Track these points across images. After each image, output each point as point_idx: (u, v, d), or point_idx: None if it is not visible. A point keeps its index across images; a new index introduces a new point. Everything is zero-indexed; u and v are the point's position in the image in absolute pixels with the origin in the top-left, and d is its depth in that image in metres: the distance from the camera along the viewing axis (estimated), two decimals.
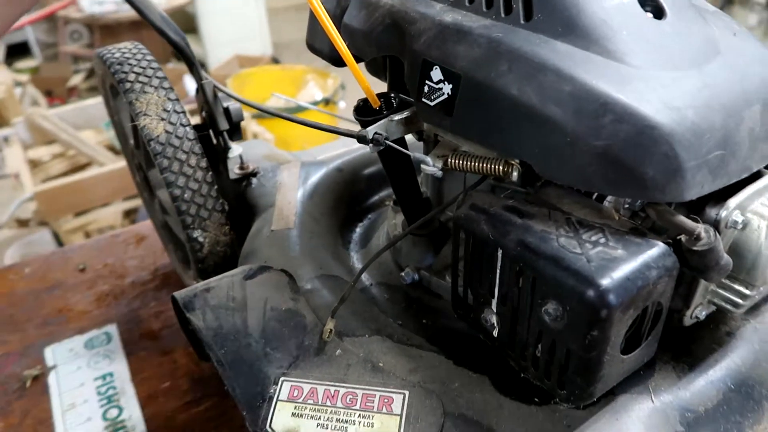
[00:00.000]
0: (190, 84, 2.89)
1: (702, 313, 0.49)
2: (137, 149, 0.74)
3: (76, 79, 3.58)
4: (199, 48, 3.66)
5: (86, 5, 3.16)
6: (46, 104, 3.11)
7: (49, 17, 3.39)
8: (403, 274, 0.61)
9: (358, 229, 0.74)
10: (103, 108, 2.41)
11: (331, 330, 0.52)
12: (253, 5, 3.82)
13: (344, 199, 0.76)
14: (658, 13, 0.44)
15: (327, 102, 2.54)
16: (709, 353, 0.51)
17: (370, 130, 0.48)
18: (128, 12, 3.13)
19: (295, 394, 0.49)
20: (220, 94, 0.73)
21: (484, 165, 0.46)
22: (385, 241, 0.68)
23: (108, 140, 2.21)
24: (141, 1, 0.69)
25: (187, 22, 3.70)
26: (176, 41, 0.69)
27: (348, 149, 0.82)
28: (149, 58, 0.68)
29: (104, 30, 3.34)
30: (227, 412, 0.70)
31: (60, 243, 1.98)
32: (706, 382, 0.48)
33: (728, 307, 0.47)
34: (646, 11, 0.44)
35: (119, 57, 0.68)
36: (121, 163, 2.05)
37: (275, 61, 3.69)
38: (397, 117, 0.49)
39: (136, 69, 0.66)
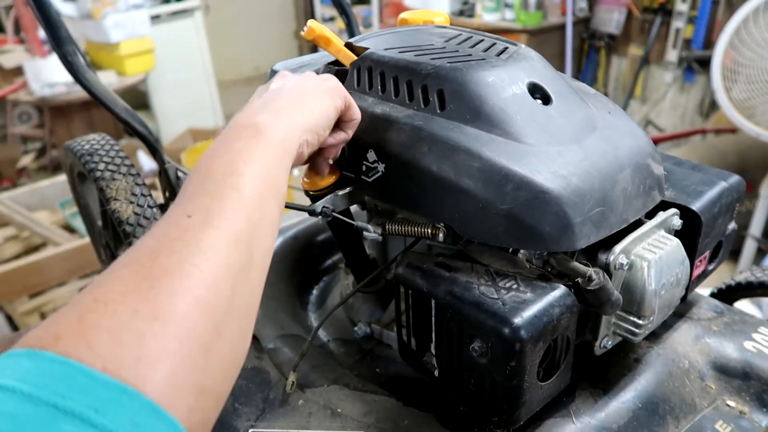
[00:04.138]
0: (144, 159, 2.94)
1: (608, 343, 0.57)
2: (105, 230, 0.80)
3: (26, 160, 3.58)
4: (152, 123, 3.73)
5: (37, 88, 3.20)
6: None
7: None
8: (356, 328, 0.68)
9: (314, 291, 0.81)
10: (56, 188, 2.41)
11: (293, 383, 0.58)
12: (203, 80, 3.94)
13: (300, 265, 0.83)
14: (546, 100, 0.54)
15: None
16: (621, 378, 0.59)
17: (319, 205, 0.56)
18: (79, 94, 3.19)
19: None
20: (181, 176, 0.80)
21: (416, 229, 0.54)
22: (338, 301, 0.75)
23: (63, 220, 2.22)
24: (106, 96, 0.76)
25: (139, 98, 3.78)
26: (140, 131, 0.76)
27: (302, 218, 0.90)
28: (117, 148, 0.75)
29: (55, 111, 3.38)
30: None
31: (15, 327, 1.95)
32: (619, 403, 0.57)
33: (628, 336, 0.56)
34: (536, 99, 0.54)
35: (89, 148, 0.75)
36: (76, 242, 2.06)
37: None
38: (341, 192, 0.58)
39: (105, 158, 0.73)
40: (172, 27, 3.69)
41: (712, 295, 0.78)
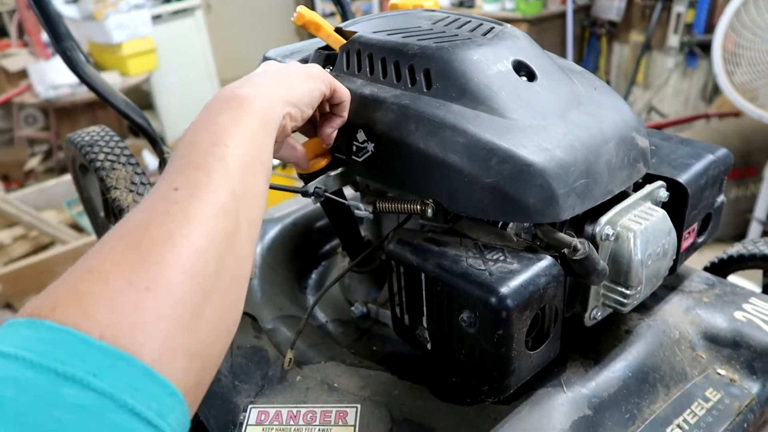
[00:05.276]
0: (149, 158, 2.97)
1: (598, 314, 0.58)
2: (108, 220, 0.82)
3: (33, 162, 3.61)
4: (155, 123, 3.75)
5: (41, 90, 3.23)
6: (3, 189, 3.13)
7: (2, 104, 3.46)
8: (352, 308, 0.69)
9: (313, 275, 0.83)
10: (63, 188, 2.44)
11: (290, 359, 0.60)
12: (206, 78, 3.96)
13: (299, 250, 0.85)
14: (531, 77, 0.55)
15: (285, 165, 2.65)
16: (612, 349, 0.60)
17: (311, 185, 0.58)
18: (83, 95, 3.21)
19: (262, 418, 0.57)
20: None
21: (406, 206, 0.56)
22: (336, 284, 0.77)
23: (70, 218, 2.25)
24: (106, 91, 0.78)
25: (143, 98, 3.80)
26: (140, 123, 0.78)
27: (301, 206, 0.92)
28: (116, 138, 0.77)
29: (60, 112, 3.41)
30: None
31: None
32: (609, 372, 0.58)
33: (617, 306, 0.57)
34: (521, 76, 0.55)
35: (89, 140, 0.77)
36: (84, 240, 2.09)
37: None
38: (333, 173, 0.59)
39: (105, 149, 0.74)
40: (173, 26, 3.71)
41: (705, 269, 0.79)
